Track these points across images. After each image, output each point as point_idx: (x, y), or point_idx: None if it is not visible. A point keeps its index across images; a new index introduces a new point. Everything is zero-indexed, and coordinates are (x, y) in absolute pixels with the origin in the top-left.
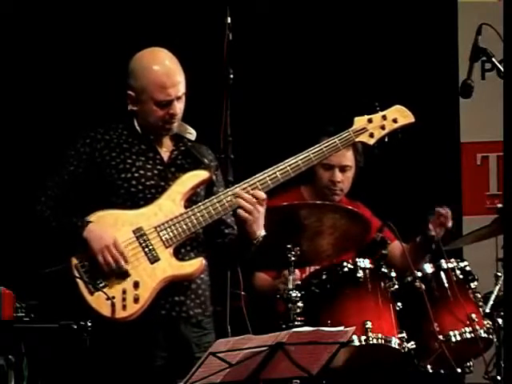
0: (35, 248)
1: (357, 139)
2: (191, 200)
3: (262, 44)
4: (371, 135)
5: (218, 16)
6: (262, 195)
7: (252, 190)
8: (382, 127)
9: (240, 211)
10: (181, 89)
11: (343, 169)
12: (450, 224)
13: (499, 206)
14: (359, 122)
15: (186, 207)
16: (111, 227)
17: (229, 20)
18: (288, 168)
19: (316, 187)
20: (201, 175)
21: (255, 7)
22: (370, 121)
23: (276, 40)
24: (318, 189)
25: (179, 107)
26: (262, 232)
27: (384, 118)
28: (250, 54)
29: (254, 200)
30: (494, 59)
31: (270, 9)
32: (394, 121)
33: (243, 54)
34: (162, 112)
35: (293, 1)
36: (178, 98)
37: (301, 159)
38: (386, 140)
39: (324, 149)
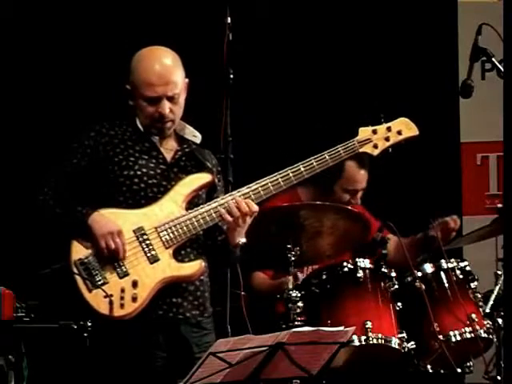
0: (35, 248)
1: (361, 149)
2: (193, 202)
3: (262, 44)
4: (375, 146)
5: (218, 16)
6: (256, 208)
7: (254, 195)
8: (387, 139)
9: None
10: (172, 89)
11: (361, 190)
12: (453, 234)
13: (499, 205)
14: (364, 132)
15: (187, 209)
16: None
17: (229, 20)
18: (291, 175)
19: (327, 201)
20: (204, 178)
21: (255, 9)
22: (374, 132)
23: (276, 40)
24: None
25: (170, 108)
26: (242, 239)
27: (389, 129)
28: (250, 54)
29: (247, 210)
30: (493, 59)
31: (270, 10)
32: (399, 133)
33: (243, 54)
34: (151, 109)
35: (293, 3)
36: (170, 99)
37: (304, 167)
38: (390, 151)
39: (328, 158)
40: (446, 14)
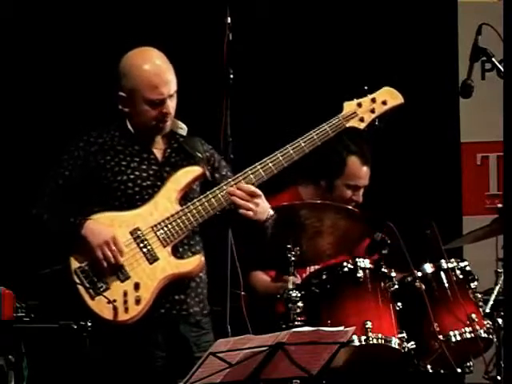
0: (35, 249)
1: (347, 124)
2: (187, 197)
3: (262, 44)
4: (361, 119)
5: (218, 16)
6: (250, 188)
7: (245, 182)
8: (372, 110)
9: (240, 210)
10: (172, 87)
11: (364, 187)
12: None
13: (499, 205)
14: (349, 106)
15: (181, 205)
16: None
17: (229, 20)
18: (280, 158)
19: (327, 197)
20: (194, 171)
21: (255, 9)
22: (359, 105)
23: (276, 40)
24: (334, 200)
25: (172, 106)
26: (268, 213)
27: (373, 100)
28: (249, 54)
29: (246, 195)
30: (493, 59)
31: (270, 10)
32: (384, 103)
33: (243, 54)
34: (154, 112)
35: (293, 3)
36: (170, 97)
37: (292, 148)
38: (377, 123)
39: (315, 136)
40: (446, 13)
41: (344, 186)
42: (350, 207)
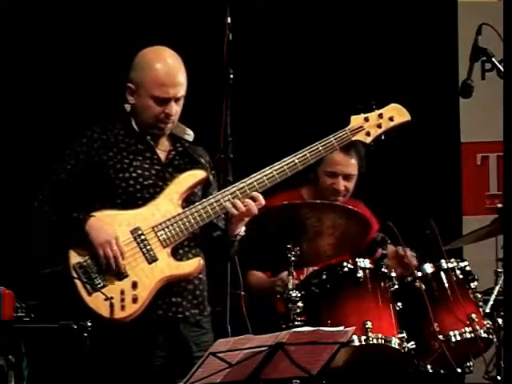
0: (35, 248)
1: (353, 138)
2: (188, 200)
3: (262, 44)
4: (368, 134)
5: (218, 16)
6: (254, 212)
7: (249, 189)
8: (379, 125)
9: (232, 210)
10: (180, 90)
11: (347, 177)
12: (414, 262)
13: (499, 205)
14: (356, 120)
15: (183, 207)
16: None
17: (229, 20)
18: (285, 167)
19: (318, 191)
20: (198, 175)
21: (255, 7)
22: (366, 119)
23: (276, 40)
24: (321, 193)
25: (175, 109)
26: (242, 230)
27: (380, 116)
28: (250, 54)
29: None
30: (493, 59)
31: (270, 9)
32: (391, 119)
33: (243, 54)
34: (158, 109)
35: (293, 1)
36: (177, 100)
37: (297, 158)
38: (383, 138)
39: (320, 148)
40: (446, 13)
41: (324, 174)
42: (349, 207)
